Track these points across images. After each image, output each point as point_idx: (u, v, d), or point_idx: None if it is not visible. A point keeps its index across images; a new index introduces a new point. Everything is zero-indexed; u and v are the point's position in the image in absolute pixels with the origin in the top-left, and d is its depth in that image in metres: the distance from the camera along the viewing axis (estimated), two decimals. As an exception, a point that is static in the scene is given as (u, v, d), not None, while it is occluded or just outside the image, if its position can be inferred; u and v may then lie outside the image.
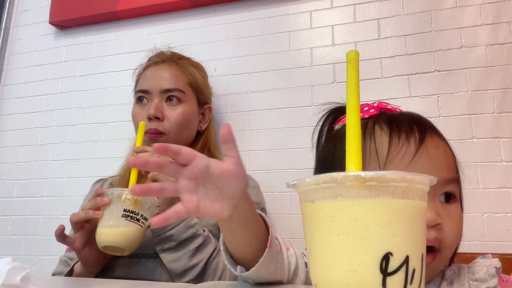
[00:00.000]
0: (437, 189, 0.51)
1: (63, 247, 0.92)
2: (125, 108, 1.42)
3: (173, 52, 1.16)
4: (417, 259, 0.31)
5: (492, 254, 0.58)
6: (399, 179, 0.31)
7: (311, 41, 1.30)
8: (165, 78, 1.06)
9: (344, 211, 0.31)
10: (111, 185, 1.05)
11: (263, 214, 0.55)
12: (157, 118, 1.02)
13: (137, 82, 1.13)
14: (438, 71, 1.16)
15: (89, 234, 0.81)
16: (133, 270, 0.87)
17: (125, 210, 0.78)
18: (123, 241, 0.77)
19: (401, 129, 0.53)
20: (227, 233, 0.53)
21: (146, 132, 0.97)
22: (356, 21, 1.27)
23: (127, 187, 0.83)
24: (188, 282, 0.81)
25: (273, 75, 1.31)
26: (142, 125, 0.89)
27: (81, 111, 1.51)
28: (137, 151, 0.86)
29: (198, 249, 0.82)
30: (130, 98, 1.17)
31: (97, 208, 0.78)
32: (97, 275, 0.87)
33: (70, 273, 0.86)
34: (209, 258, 0.83)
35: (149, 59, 1.15)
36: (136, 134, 0.94)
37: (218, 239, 0.91)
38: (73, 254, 0.91)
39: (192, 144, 1.10)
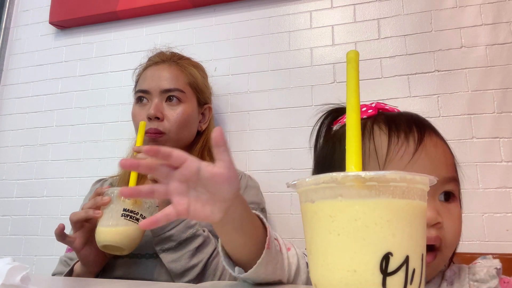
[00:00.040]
0: (437, 188, 0.51)
1: (63, 247, 0.92)
2: (125, 108, 1.42)
3: (173, 52, 1.16)
4: (417, 259, 0.31)
5: (492, 254, 0.58)
6: (399, 179, 0.31)
7: (311, 41, 1.30)
8: (165, 78, 1.06)
9: (344, 211, 0.31)
10: (111, 185, 1.05)
11: (260, 215, 0.55)
12: (157, 118, 1.02)
13: (137, 82, 1.13)
14: (438, 71, 1.16)
15: (89, 233, 0.81)
16: (133, 270, 0.87)
17: (124, 210, 0.78)
18: (122, 240, 0.77)
19: (400, 128, 0.53)
20: (221, 235, 0.53)
21: (146, 132, 0.97)
22: (356, 21, 1.27)
23: (127, 187, 0.83)
24: (188, 282, 0.81)
25: (273, 75, 1.31)
26: (143, 125, 0.89)
27: (81, 111, 1.51)
28: (137, 151, 0.86)
29: (198, 249, 0.82)
30: (130, 98, 1.17)
31: (97, 207, 0.79)
32: (97, 275, 0.87)
33: (70, 273, 0.86)
34: (209, 258, 0.83)
35: (149, 59, 1.15)
36: (136, 134, 0.94)
37: (218, 239, 0.91)
38: (73, 254, 0.91)
39: (192, 144, 1.10)
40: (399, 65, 1.20)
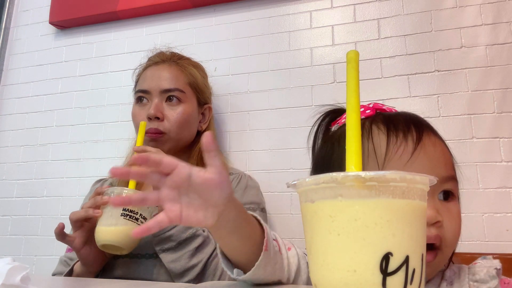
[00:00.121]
0: (436, 187, 0.51)
1: (63, 247, 0.92)
2: (125, 108, 1.42)
3: (173, 52, 1.16)
4: (417, 259, 0.31)
5: (492, 254, 0.58)
6: (399, 179, 0.31)
7: (311, 41, 1.30)
8: (165, 78, 1.06)
9: (344, 211, 0.31)
10: (111, 185, 1.05)
11: (258, 217, 0.55)
12: (157, 118, 1.02)
13: (137, 82, 1.13)
14: (438, 71, 1.16)
15: (89, 232, 0.81)
16: (133, 270, 0.87)
17: (124, 209, 0.78)
18: (121, 240, 0.77)
19: (399, 128, 0.53)
20: (217, 239, 0.53)
21: (146, 132, 0.97)
22: (356, 21, 1.27)
23: (127, 186, 0.83)
24: (188, 282, 0.81)
25: (273, 75, 1.31)
26: (143, 125, 0.89)
27: (81, 111, 1.51)
28: (137, 151, 0.86)
29: (198, 249, 0.82)
30: (130, 98, 1.17)
31: (97, 206, 0.79)
32: (97, 275, 0.87)
33: (70, 273, 0.86)
34: (208, 258, 0.83)
35: (149, 59, 1.15)
36: (136, 134, 0.94)
37: (218, 239, 0.91)
38: (73, 254, 0.91)
39: (192, 144, 1.10)
40: (399, 65, 1.20)
